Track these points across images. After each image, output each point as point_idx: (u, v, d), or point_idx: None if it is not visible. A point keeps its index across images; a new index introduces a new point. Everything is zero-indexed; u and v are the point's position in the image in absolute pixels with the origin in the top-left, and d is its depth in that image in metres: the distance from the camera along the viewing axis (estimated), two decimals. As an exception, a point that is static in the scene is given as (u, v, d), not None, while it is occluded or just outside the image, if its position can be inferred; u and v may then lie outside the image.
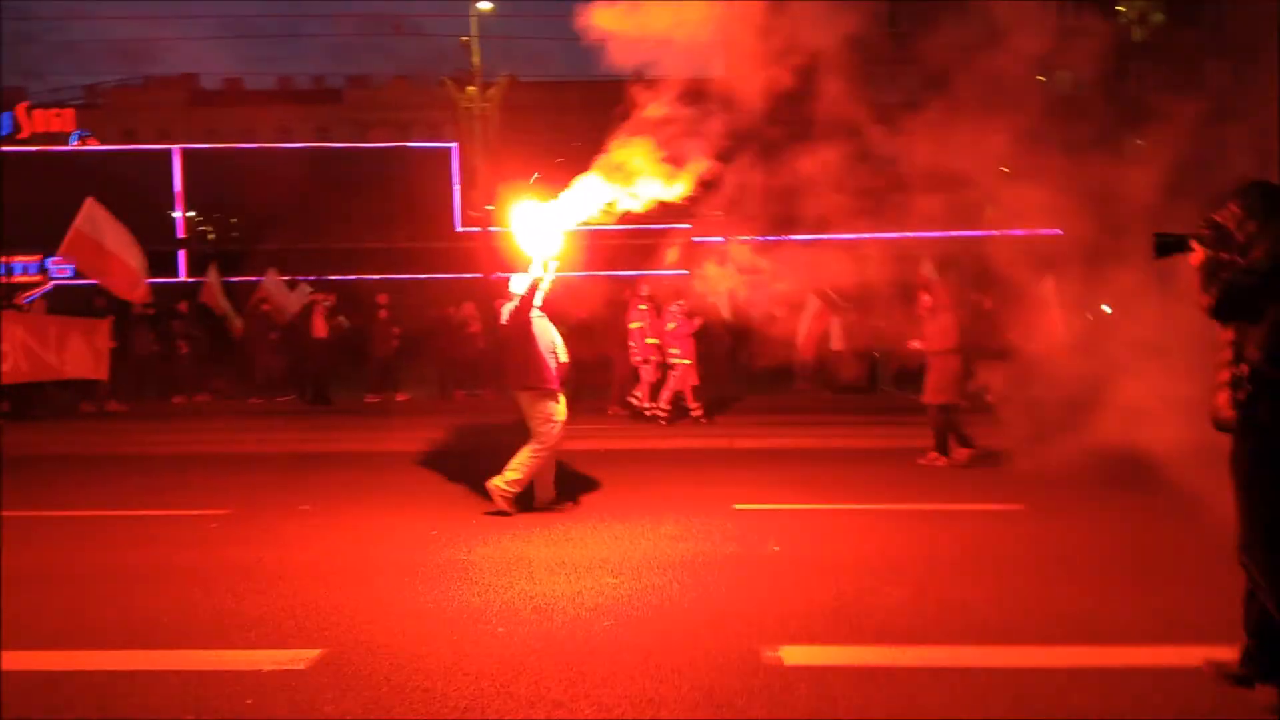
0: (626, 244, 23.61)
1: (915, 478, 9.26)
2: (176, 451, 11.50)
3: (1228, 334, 3.91)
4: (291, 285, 19.94)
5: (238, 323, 18.06)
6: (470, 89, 23.77)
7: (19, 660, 4.40)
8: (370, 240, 31.59)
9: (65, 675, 4.26)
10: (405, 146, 34.57)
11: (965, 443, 9.66)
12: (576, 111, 47.91)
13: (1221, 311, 3.84)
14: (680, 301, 13.23)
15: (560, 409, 7.47)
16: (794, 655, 4.40)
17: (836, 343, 17.37)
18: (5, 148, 32.54)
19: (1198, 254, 3.98)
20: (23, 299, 16.13)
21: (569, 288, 7.92)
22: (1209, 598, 4.87)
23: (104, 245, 14.64)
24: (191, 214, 34.82)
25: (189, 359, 17.04)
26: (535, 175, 7.78)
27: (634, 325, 13.58)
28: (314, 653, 4.48)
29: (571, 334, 9.59)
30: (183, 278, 33.21)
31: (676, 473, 9.72)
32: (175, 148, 34.56)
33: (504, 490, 7.31)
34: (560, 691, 4.05)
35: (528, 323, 7.39)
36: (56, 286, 26.74)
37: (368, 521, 7.46)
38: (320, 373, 16.06)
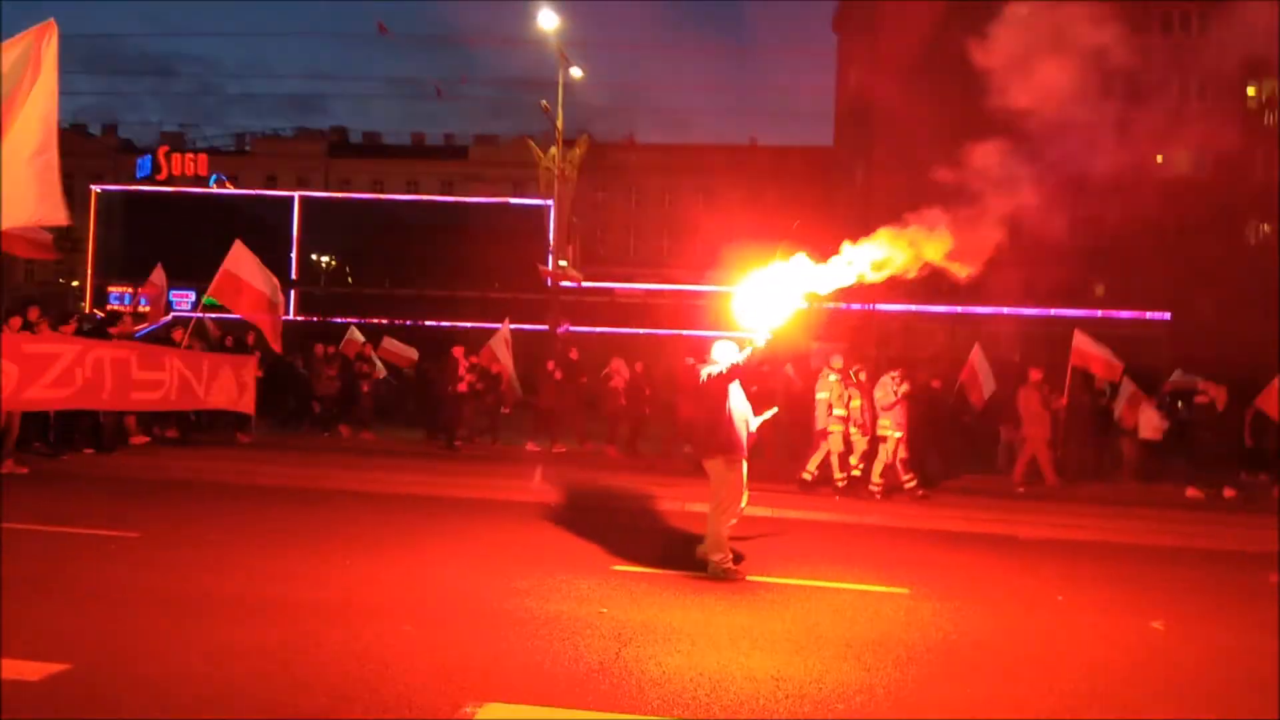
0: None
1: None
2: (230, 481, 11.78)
3: None
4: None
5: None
6: (553, 150, 24.53)
7: None
8: (465, 289, 32.78)
9: None
10: (505, 202, 35.86)
11: None
12: (684, 173, 48.72)
13: None
14: (894, 373, 12.81)
15: (743, 476, 7.56)
16: (491, 713, 4.39)
17: (1147, 431, 15.68)
18: (141, 187, 35.38)
19: None
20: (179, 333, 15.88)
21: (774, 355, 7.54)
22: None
23: (251, 285, 15.27)
24: (315, 257, 36.83)
25: (368, 397, 17.91)
26: (795, 225, 7.44)
27: (820, 395, 12.91)
28: (60, 667, 4.72)
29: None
30: (292, 316, 35.18)
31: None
32: (295, 194, 36.82)
33: (720, 568, 7.34)
34: None
35: (725, 390, 7.42)
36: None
37: (267, 560, 7.68)
38: (452, 421, 16.56)
